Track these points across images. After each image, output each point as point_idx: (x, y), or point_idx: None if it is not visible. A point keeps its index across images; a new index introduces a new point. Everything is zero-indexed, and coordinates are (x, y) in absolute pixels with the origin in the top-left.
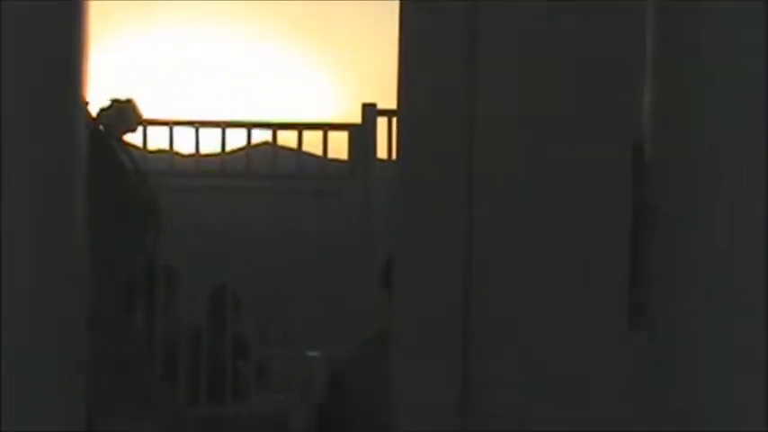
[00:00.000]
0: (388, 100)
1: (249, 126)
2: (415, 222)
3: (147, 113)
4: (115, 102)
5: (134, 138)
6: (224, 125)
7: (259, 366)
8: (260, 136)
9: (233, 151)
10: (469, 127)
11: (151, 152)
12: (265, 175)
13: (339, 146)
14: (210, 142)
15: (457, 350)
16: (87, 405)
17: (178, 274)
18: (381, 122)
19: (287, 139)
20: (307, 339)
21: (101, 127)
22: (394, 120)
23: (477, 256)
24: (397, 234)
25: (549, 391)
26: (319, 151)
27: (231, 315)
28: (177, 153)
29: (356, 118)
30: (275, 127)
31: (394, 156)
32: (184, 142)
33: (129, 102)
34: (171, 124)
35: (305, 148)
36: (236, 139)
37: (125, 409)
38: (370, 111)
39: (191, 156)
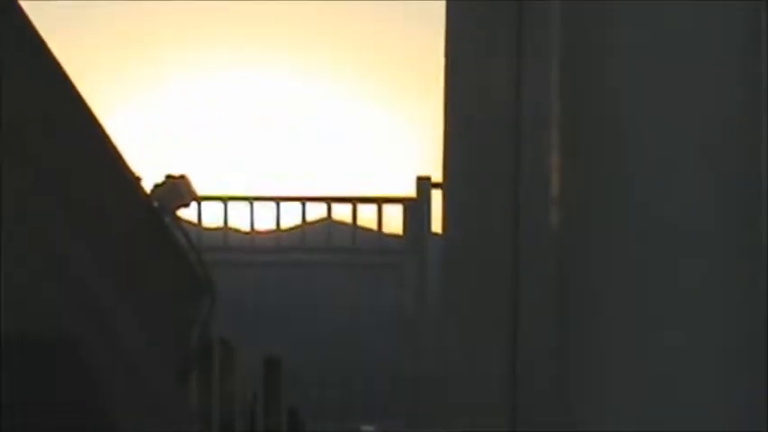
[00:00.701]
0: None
1: (304, 200)
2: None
3: (201, 189)
4: (169, 177)
5: (189, 213)
6: (279, 200)
7: None
8: (315, 210)
9: (289, 229)
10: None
11: (207, 229)
12: (320, 250)
13: (395, 220)
14: (265, 216)
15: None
16: None
17: (234, 349)
18: (436, 195)
19: (341, 214)
20: (362, 413)
21: (154, 203)
22: None
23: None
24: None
25: None
26: (374, 225)
27: (286, 389)
28: (232, 229)
29: (411, 191)
30: (330, 201)
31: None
32: (239, 217)
33: (182, 177)
34: (225, 200)
35: (360, 223)
36: (292, 212)
37: None
38: (424, 184)
39: (246, 233)
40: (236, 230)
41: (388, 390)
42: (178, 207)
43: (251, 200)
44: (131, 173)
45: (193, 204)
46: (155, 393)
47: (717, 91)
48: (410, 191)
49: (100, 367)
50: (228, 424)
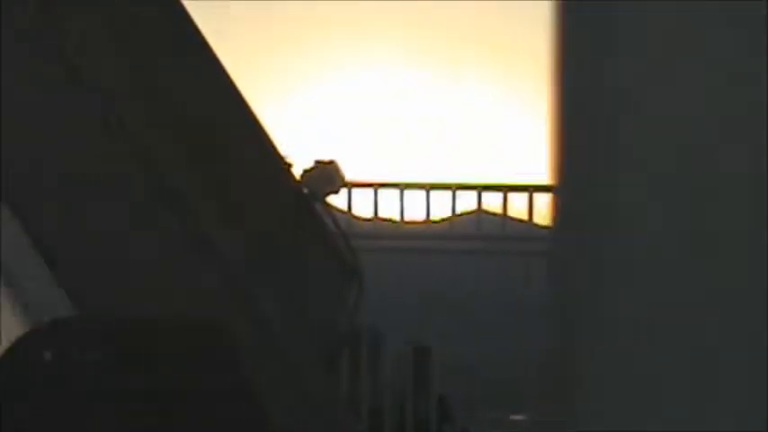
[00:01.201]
0: None
1: (454, 188)
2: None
3: (350, 175)
4: (318, 163)
5: (338, 200)
6: (428, 187)
7: (465, 430)
8: (464, 200)
9: (437, 221)
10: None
11: (356, 218)
12: (469, 237)
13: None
14: (415, 202)
15: None
16: None
17: (383, 336)
18: None
19: (491, 205)
20: (512, 403)
21: (304, 189)
22: None
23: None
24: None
25: None
26: (525, 215)
27: (436, 377)
28: (383, 219)
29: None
30: (480, 189)
31: None
32: (388, 205)
33: (332, 163)
34: (376, 186)
35: (510, 213)
36: (441, 201)
37: None
38: None
39: (394, 222)
40: (386, 219)
41: (539, 379)
42: (328, 193)
43: (401, 186)
44: (282, 158)
45: (343, 191)
46: (304, 380)
47: None
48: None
49: (249, 354)
50: (377, 410)
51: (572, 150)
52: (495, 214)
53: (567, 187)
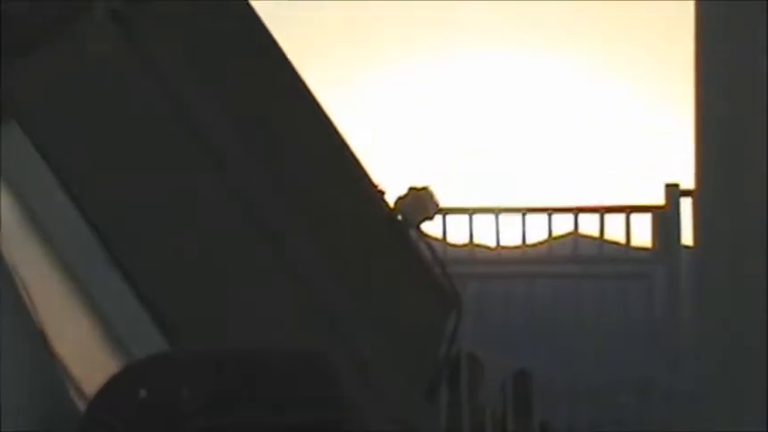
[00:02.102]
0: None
1: (550, 211)
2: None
3: (444, 201)
4: (412, 189)
5: (433, 227)
6: (525, 211)
7: None
8: (560, 223)
9: (534, 244)
10: None
11: (451, 245)
12: (567, 260)
13: (642, 230)
14: (510, 226)
15: None
16: None
17: (481, 362)
18: (685, 204)
19: (587, 229)
20: (614, 427)
21: (398, 216)
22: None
23: None
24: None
25: None
26: (621, 237)
27: (537, 402)
28: (477, 245)
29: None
30: (576, 210)
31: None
32: (483, 230)
33: (425, 189)
34: (470, 212)
35: (606, 236)
36: (537, 225)
37: None
38: (673, 192)
39: (491, 249)
40: (481, 246)
41: (641, 403)
42: (422, 220)
43: (496, 211)
44: (374, 185)
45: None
46: (404, 410)
47: None
48: (657, 199)
49: (345, 384)
50: None
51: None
52: (590, 237)
53: None
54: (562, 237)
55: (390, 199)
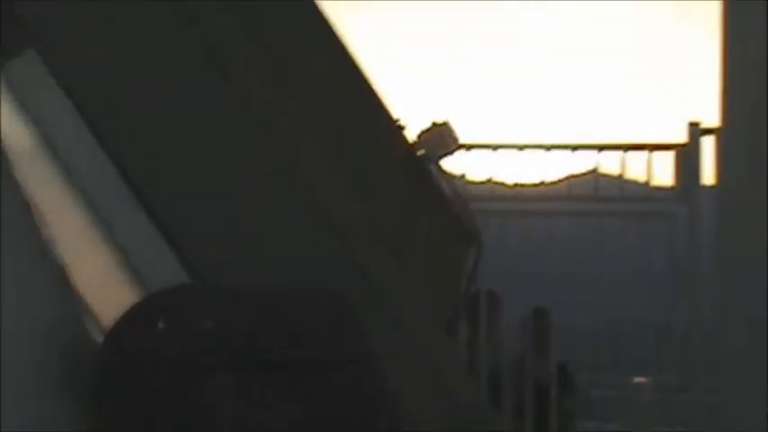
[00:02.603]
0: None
1: (573, 148)
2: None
3: (465, 136)
4: (433, 124)
5: (455, 163)
6: (546, 147)
7: (585, 393)
8: (581, 161)
9: (553, 183)
10: None
11: (470, 182)
12: (587, 198)
13: (664, 169)
14: (531, 163)
15: None
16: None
17: (501, 299)
18: (707, 142)
19: (608, 168)
20: (633, 367)
21: (419, 152)
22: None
23: None
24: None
25: None
26: (641, 176)
27: (555, 340)
28: (497, 182)
29: (682, 138)
30: (598, 148)
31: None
32: (503, 167)
33: (445, 124)
34: (492, 147)
35: (628, 176)
36: (558, 160)
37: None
38: (695, 130)
39: (511, 186)
40: (500, 184)
41: (658, 342)
42: (443, 155)
43: (518, 147)
44: (394, 121)
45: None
46: (424, 346)
47: None
48: (680, 137)
49: (367, 320)
50: (496, 375)
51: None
52: (610, 175)
53: None
54: (583, 175)
55: (411, 134)
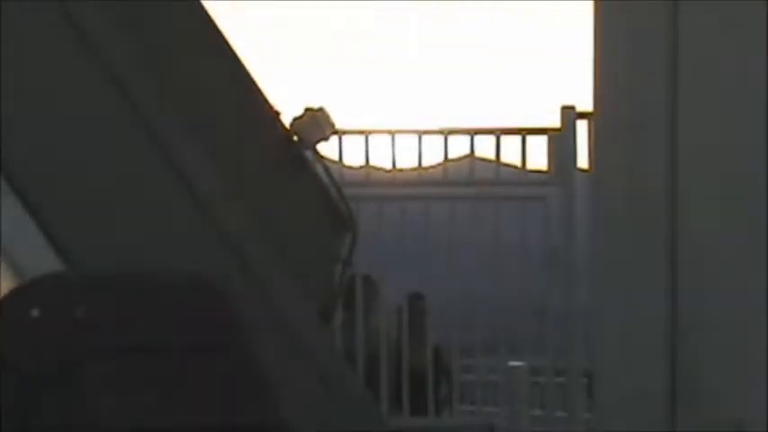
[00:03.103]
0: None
1: (446, 133)
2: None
3: (340, 123)
4: (308, 110)
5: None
6: (421, 133)
7: (461, 377)
8: (457, 146)
9: (431, 167)
10: (672, 129)
11: (347, 167)
12: (463, 183)
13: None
14: (407, 149)
15: (664, 355)
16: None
17: (377, 284)
18: (581, 126)
19: (484, 152)
20: (509, 350)
21: (294, 137)
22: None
23: (683, 256)
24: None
25: None
26: (517, 160)
27: (431, 324)
28: (373, 167)
29: (555, 122)
30: (472, 133)
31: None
32: (379, 153)
33: (321, 110)
34: (367, 133)
35: (503, 159)
36: (433, 145)
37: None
38: (569, 114)
39: (387, 171)
40: (377, 168)
41: (536, 325)
42: (318, 141)
43: (392, 133)
44: (270, 106)
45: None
46: (299, 333)
47: None
48: (553, 122)
49: (243, 308)
50: (373, 360)
51: None
52: (487, 159)
53: None
54: (458, 159)
55: (285, 120)
